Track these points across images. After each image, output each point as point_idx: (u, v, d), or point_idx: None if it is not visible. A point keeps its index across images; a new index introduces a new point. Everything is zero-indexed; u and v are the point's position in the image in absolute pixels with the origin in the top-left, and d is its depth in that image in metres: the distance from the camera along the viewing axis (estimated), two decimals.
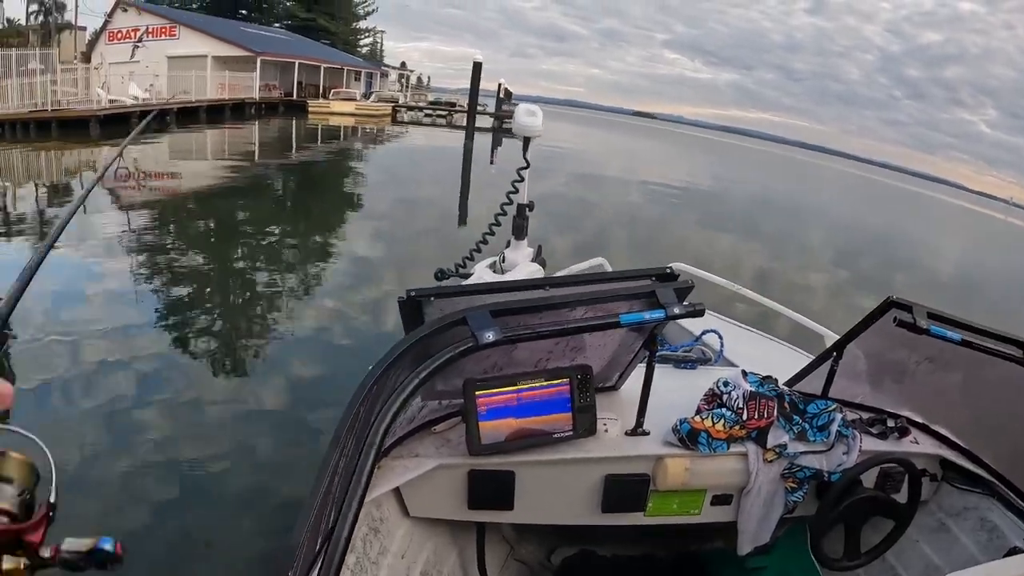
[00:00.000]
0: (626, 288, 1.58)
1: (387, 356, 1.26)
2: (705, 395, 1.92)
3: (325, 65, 43.76)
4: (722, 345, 2.68)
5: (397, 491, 1.71)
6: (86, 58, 33.71)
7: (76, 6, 40.19)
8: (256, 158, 21.20)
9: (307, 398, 5.04)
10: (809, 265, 13.91)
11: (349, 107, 38.77)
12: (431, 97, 59.22)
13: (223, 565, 3.29)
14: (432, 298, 1.51)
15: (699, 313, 1.54)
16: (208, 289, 7.59)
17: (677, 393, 1.97)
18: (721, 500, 1.94)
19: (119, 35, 35.91)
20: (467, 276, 3.76)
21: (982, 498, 2.00)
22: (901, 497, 1.94)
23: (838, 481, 1.85)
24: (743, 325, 3.48)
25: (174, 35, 35.44)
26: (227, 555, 3.34)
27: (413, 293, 1.49)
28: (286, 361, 5.72)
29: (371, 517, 1.62)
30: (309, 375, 5.51)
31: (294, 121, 33.59)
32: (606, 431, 1.83)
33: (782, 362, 2.33)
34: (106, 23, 36.77)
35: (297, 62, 40.43)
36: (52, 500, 0.64)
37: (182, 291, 7.34)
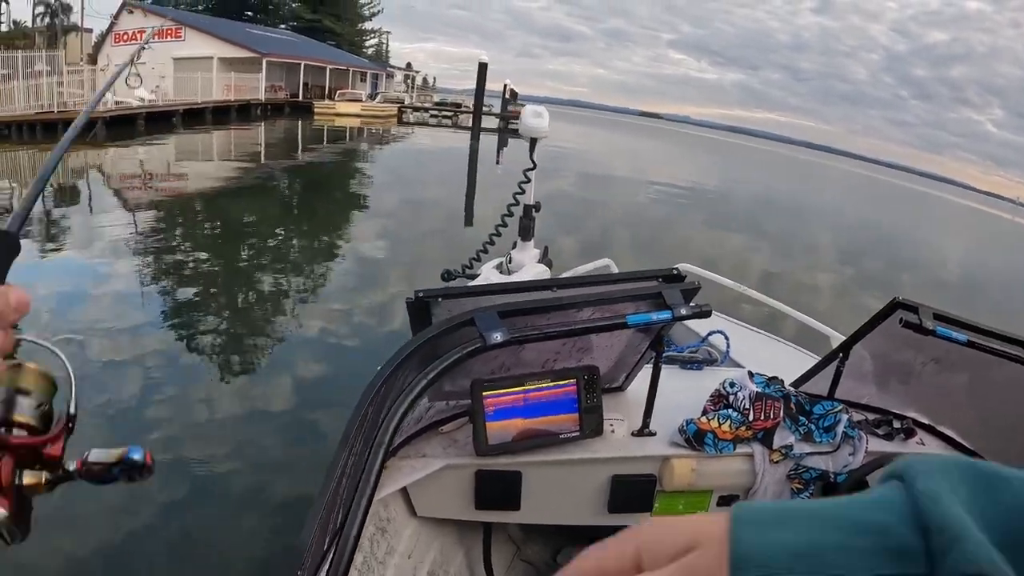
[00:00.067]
0: (633, 289, 1.59)
1: (395, 356, 1.27)
2: (711, 396, 1.92)
3: (331, 66, 43.86)
4: (728, 346, 2.68)
5: (404, 491, 1.71)
6: (92, 60, 33.79)
7: (82, 8, 40.30)
8: (262, 159, 21.25)
9: (314, 398, 5.05)
10: (815, 265, 13.88)
11: (355, 108, 38.82)
12: (437, 98, 59.41)
13: (230, 564, 3.30)
14: (440, 299, 1.51)
15: (706, 314, 1.55)
16: (214, 289, 7.61)
17: (683, 394, 1.97)
18: (727, 500, 1.93)
19: (125, 37, 36.05)
20: (474, 277, 3.77)
21: None
22: None
23: (844, 482, 1.85)
24: (749, 326, 3.47)
25: (180, 37, 35.57)
26: (236, 554, 3.36)
27: (421, 294, 1.49)
28: (293, 361, 5.74)
29: (378, 517, 1.62)
30: (316, 375, 5.53)
31: (300, 122, 33.66)
32: (613, 432, 1.83)
33: (788, 363, 2.32)
34: (112, 25, 36.94)
35: (303, 63, 40.54)
36: (72, 411, 0.62)
37: (188, 291, 7.37)
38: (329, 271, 8.94)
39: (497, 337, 1.30)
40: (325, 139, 29.12)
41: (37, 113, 19.62)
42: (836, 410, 1.90)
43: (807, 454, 1.87)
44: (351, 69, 47.33)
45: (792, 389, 1.99)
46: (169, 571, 3.20)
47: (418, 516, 1.79)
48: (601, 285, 1.60)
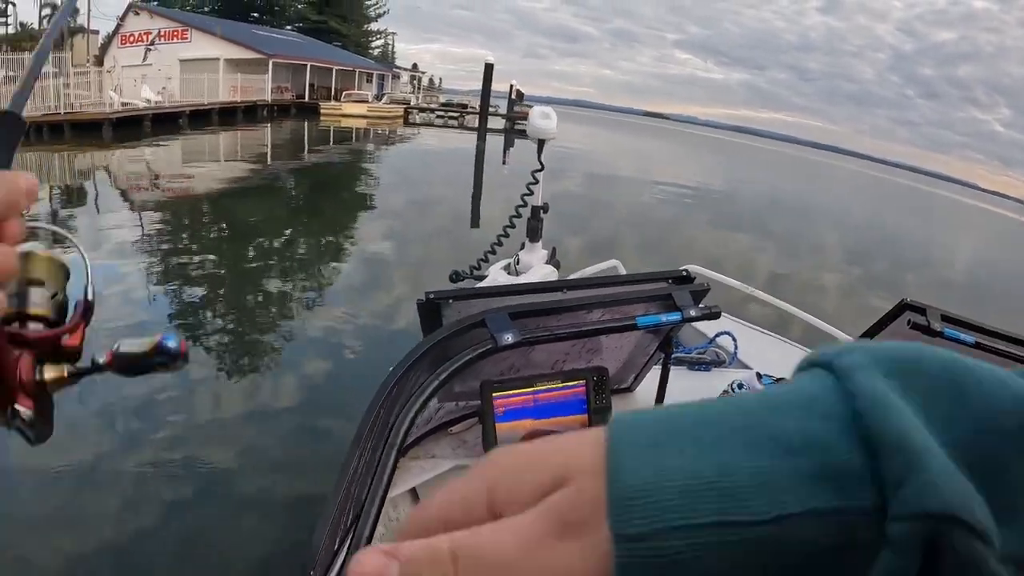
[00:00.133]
0: (643, 290, 1.59)
1: (407, 358, 1.27)
2: (719, 397, 1.92)
3: (337, 67, 43.97)
4: (736, 347, 2.69)
5: (413, 491, 1.72)
6: (99, 61, 33.94)
7: (88, 10, 40.35)
8: (269, 160, 21.30)
9: (322, 398, 5.07)
10: (822, 265, 13.85)
11: (361, 109, 38.89)
12: (443, 98, 59.57)
13: (240, 564, 3.31)
14: (450, 300, 1.52)
15: (715, 315, 1.55)
16: (221, 289, 7.63)
17: (692, 395, 1.98)
18: None
19: (131, 38, 36.21)
20: (482, 278, 3.78)
21: None
22: None
23: None
24: (757, 327, 3.47)
25: (186, 38, 35.72)
26: (246, 553, 3.37)
27: (432, 295, 1.50)
28: (301, 360, 5.75)
29: (388, 517, 1.63)
30: (324, 374, 5.54)
31: (306, 123, 33.71)
32: None
33: (796, 364, 2.32)
34: (118, 27, 37.13)
35: (309, 64, 40.63)
36: (89, 298, 0.58)
37: (195, 291, 7.38)
38: (336, 271, 8.96)
39: (508, 338, 1.31)
40: (331, 140, 29.16)
41: (44, 115, 19.68)
42: None
43: None
44: (357, 70, 47.41)
45: None
46: (180, 571, 3.21)
47: None
48: (611, 286, 1.61)
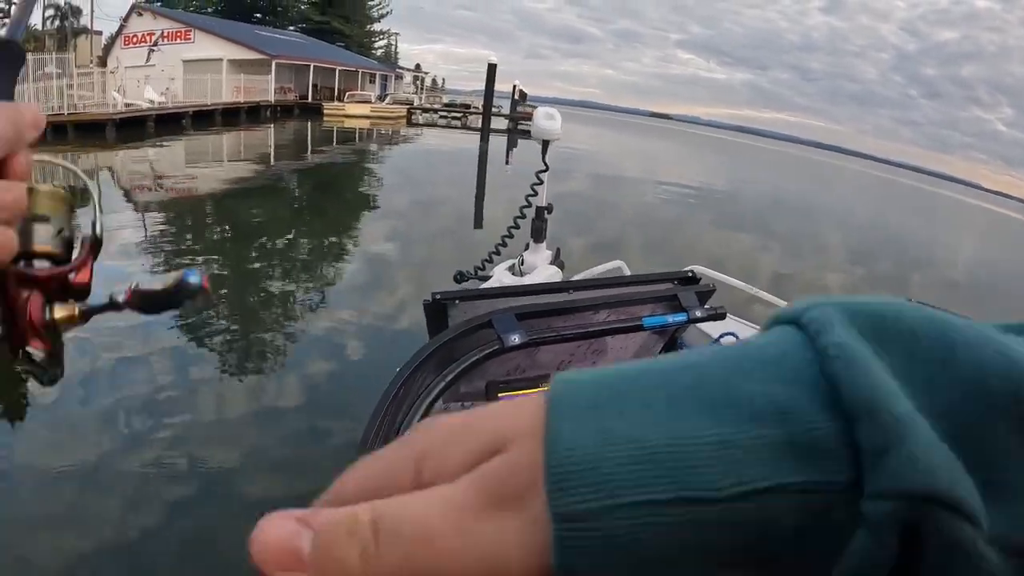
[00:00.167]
0: (649, 291, 1.59)
1: (413, 359, 1.27)
2: None
3: (340, 68, 44.01)
4: None
5: None
6: (102, 62, 34.02)
7: (92, 11, 40.50)
8: (272, 160, 21.31)
9: (327, 401, 5.07)
10: (826, 265, 13.84)
11: (364, 109, 38.93)
12: (446, 99, 59.51)
13: (241, 567, 3.31)
14: (457, 301, 1.52)
15: (720, 316, 1.55)
16: (224, 289, 7.63)
17: None
18: None
19: (135, 39, 36.27)
20: (486, 279, 3.78)
21: None
22: None
23: None
24: (761, 328, 3.46)
25: (189, 39, 35.76)
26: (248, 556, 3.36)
27: (438, 296, 1.49)
28: (305, 361, 5.75)
29: None
30: (328, 376, 5.54)
31: (309, 123, 33.75)
32: None
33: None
34: (121, 27, 37.17)
35: (312, 65, 40.67)
36: (97, 233, 0.56)
37: None
38: (340, 272, 8.96)
39: (515, 339, 1.30)
40: (335, 140, 29.18)
41: (47, 115, 19.57)
42: None
43: None
44: (360, 71, 47.45)
45: None
46: (181, 571, 3.21)
47: None
48: (616, 287, 1.60)
